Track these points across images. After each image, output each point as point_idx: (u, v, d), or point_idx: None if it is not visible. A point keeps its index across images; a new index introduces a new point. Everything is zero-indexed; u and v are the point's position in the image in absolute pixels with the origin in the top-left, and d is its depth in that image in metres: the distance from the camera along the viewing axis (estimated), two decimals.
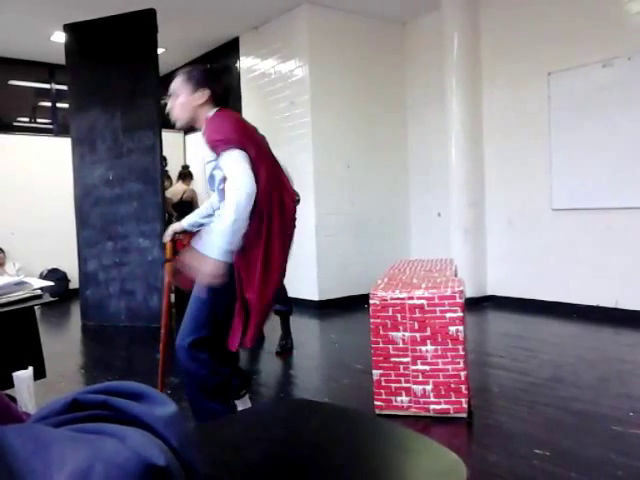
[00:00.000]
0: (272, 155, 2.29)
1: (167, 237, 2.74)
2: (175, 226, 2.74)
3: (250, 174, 2.03)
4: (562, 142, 5.00)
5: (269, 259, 2.15)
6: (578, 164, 4.90)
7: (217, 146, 2.09)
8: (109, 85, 5.36)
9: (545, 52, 5.09)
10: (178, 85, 2.25)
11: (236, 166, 2.04)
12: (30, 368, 1.67)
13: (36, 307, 2.12)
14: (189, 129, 7.98)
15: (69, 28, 5.56)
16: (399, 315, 2.67)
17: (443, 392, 2.64)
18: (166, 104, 2.33)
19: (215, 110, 2.24)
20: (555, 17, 4.99)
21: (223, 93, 2.29)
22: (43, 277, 6.74)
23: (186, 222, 2.68)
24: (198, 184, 6.95)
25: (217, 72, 2.36)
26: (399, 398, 2.70)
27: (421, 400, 2.67)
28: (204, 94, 2.22)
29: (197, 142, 7.86)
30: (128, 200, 5.34)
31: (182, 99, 2.24)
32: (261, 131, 2.35)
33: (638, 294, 4.56)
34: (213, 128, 2.14)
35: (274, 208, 2.15)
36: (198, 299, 2.20)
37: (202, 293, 2.13)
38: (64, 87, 6.46)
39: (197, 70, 2.28)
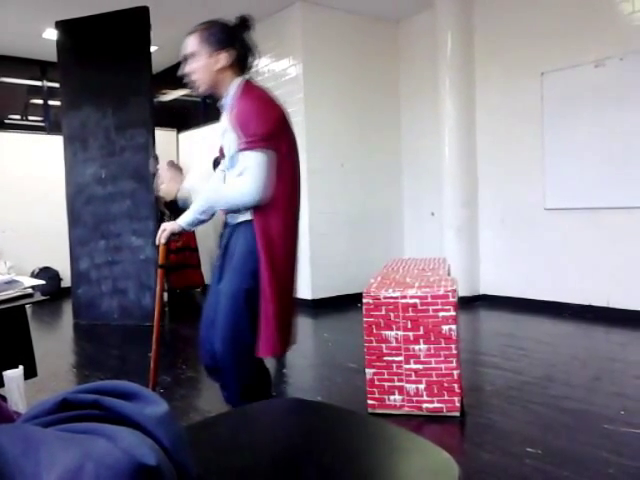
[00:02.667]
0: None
1: (163, 239, 2.29)
2: (171, 226, 2.30)
3: (264, 185, 1.96)
4: (555, 142, 5.02)
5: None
6: (571, 164, 4.92)
7: (246, 140, 1.94)
8: (102, 83, 5.33)
9: (538, 52, 5.10)
10: (195, 45, 2.00)
11: (254, 172, 1.95)
12: (20, 367, 1.66)
13: (27, 306, 2.10)
14: (183, 127, 8.00)
15: (61, 25, 5.52)
16: (392, 314, 2.67)
17: (436, 391, 2.64)
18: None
19: (242, 81, 2.03)
20: (548, 17, 5.01)
21: (247, 58, 2.05)
22: (35, 276, 6.70)
23: (183, 221, 2.30)
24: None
25: (241, 28, 2.04)
26: (392, 397, 2.70)
27: (414, 399, 2.67)
28: (227, 57, 1.99)
29: (191, 138, 7.84)
30: (121, 198, 5.31)
31: (201, 62, 1.99)
32: None
33: (629, 293, 4.58)
34: (248, 115, 1.95)
35: (296, 205, 2.14)
36: (235, 298, 2.04)
37: (234, 286, 2.05)
38: (56, 85, 6.42)
39: (217, 27, 2.00)
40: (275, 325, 2.03)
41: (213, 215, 2.27)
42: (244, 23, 2.07)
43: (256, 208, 2.03)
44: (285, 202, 2.07)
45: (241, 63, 2.06)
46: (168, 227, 2.30)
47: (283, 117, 2.07)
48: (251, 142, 1.94)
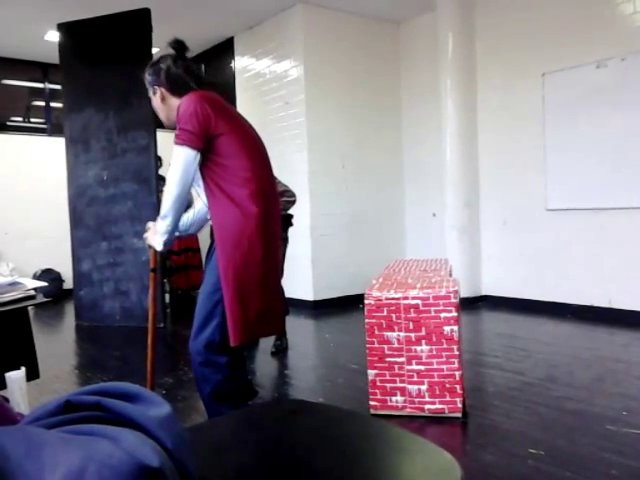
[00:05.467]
0: (257, 137, 2.22)
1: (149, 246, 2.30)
2: (151, 241, 2.24)
3: (182, 175, 2.03)
4: (556, 142, 5.02)
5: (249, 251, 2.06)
6: (572, 164, 4.92)
7: (176, 136, 2.09)
8: (103, 85, 5.34)
9: (539, 53, 5.10)
10: (148, 91, 2.27)
11: (173, 164, 2.06)
12: (23, 369, 1.66)
13: (30, 307, 2.11)
14: None
15: (63, 27, 5.53)
16: (394, 315, 2.67)
17: (438, 392, 2.64)
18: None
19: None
20: (549, 18, 5.01)
21: (178, 81, 2.17)
22: (37, 277, 6.71)
23: (158, 241, 2.18)
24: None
25: (159, 63, 2.21)
26: (394, 398, 2.70)
27: (416, 400, 2.67)
28: (160, 92, 2.21)
29: None
30: (122, 200, 5.32)
31: (154, 102, 2.28)
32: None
33: (632, 294, 4.57)
34: (177, 117, 2.10)
35: (258, 197, 2.08)
36: (209, 296, 2.11)
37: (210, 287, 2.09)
38: (58, 86, 6.44)
39: (148, 68, 2.25)
40: (232, 315, 2.03)
41: (178, 219, 2.17)
42: (173, 47, 2.24)
43: (211, 204, 2.11)
44: (238, 195, 2.06)
45: (181, 86, 2.18)
46: (150, 241, 2.24)
47: (209, 113, 2.08)
48: (176, 137, 2.09)
